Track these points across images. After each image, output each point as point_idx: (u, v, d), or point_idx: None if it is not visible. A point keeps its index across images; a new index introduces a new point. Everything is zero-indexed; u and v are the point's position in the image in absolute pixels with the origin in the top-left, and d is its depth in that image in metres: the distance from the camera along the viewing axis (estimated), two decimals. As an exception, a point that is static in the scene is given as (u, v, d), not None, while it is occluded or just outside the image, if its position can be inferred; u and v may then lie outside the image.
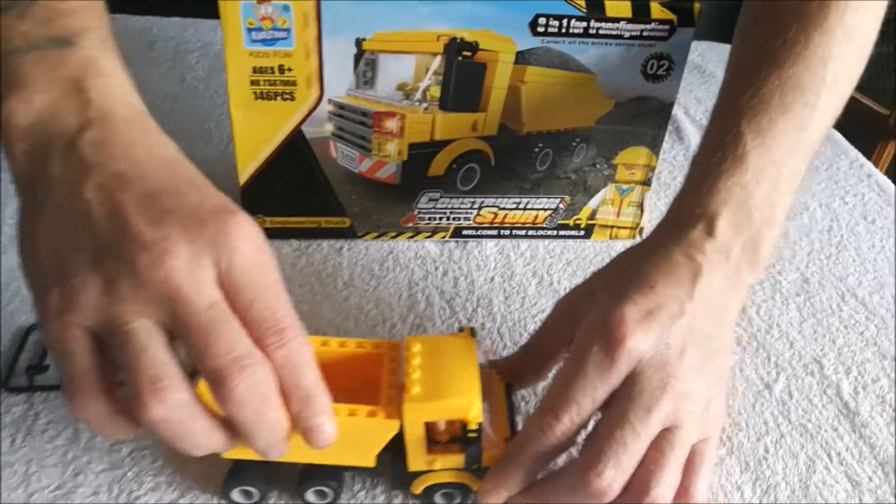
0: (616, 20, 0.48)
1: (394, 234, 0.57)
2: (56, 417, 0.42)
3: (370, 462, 0.37)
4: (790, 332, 0.52)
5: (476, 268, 0.56)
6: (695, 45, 0.51)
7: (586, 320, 0.37)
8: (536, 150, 0.54)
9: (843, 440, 0.44)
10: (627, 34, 0.49)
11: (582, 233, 0.59)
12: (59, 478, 0.39)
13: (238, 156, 0.52)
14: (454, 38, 0.48)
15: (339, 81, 0.49)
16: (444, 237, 0.58)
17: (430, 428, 0.35)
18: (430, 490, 0.38)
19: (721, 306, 0.37)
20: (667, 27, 0.49)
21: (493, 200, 0.56)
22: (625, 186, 0.57)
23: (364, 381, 0.37)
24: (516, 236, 0.59)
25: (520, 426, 0.39)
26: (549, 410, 0.35)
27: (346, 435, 0.33)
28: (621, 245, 0.59)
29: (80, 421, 0.32)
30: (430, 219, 0.57)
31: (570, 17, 0.48)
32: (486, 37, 0.48)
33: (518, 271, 0.56)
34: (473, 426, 0.35)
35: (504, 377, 0.41)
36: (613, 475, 0.33)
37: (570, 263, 0.57)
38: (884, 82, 1.46)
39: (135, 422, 0.30)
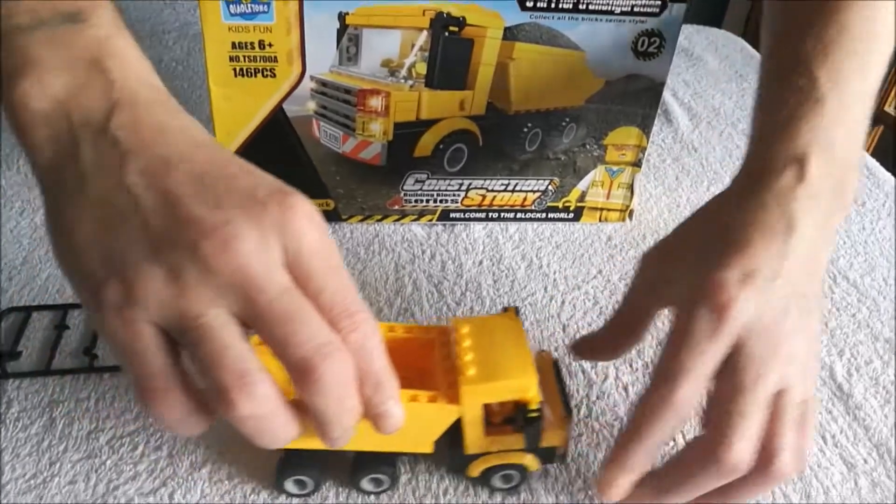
0: (607, -5, 0.47)
1: (379, 217, 0.56)
2: (29, 405, 0.40)
3: (428, 448, 0.36)
4: (782, 314, 0.51)
5: (464, 251, 0.54)
6: (682, 28, 0.50)
7: (683, 284, 0.35)
8: (525, 129, 0.53)
9: (837, 422, 0.43)
10: (618, 9, 0.48)
11: (571, 215, 0.58)
12: (34, 467, 0.37)
13: (217, 136, 0.50)
14: (441, 13, 0.46)
15: (322, 58, 0.47)
16: (431, 220, 0.57)
17: (485, 410, 0.35)
18: (489, 472, 0.37)
19: (814, 260, 0.36)
20: (658, 3, 0.48)
21: (481, 182, 0.55)
22: (615, 168, 0.56)
23: (417, 367, 0.36)
24: (505, 219, 0.57)
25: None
26: (664, 383, 0.33)
27: (407, 421, 0.31)
28: (611, 228, 0.58)
29: (163, 425, 0.30)
30: (416, 201, 0.55)
31: (559, -8, 0.47)
32: (473, 11, 0.47)
33: (507, 255, 0.54)
34: (534, 406, 0.34)
35: (573, 353, 0.41)
36: (744, 447, 0.32)
37: (559, 246, 0.56)
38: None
39: (210, 416, 0.29)
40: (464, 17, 0.47)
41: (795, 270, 0.35)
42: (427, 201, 0.56)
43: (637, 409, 0.35)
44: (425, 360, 0.37)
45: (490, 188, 0.55)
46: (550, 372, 0.38)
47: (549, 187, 0.56)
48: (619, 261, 0.55)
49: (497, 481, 0.38)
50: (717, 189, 0.63)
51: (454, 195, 0.55)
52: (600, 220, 0.59)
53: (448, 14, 0.47)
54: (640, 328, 0.39)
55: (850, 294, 0.53)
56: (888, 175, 0.68)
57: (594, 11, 0.48)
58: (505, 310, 0.39)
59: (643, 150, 0.55)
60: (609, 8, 0.48)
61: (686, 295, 0.35)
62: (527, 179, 0.55)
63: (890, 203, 0.63)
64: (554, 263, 0.54)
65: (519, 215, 0.57)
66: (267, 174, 0.30)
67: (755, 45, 0.95)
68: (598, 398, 0.43)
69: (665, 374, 0.34)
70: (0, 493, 0.36)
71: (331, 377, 0.27)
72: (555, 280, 0.52)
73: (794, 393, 0.34)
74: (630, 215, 0.59)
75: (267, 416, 0.28)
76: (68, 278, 0.29)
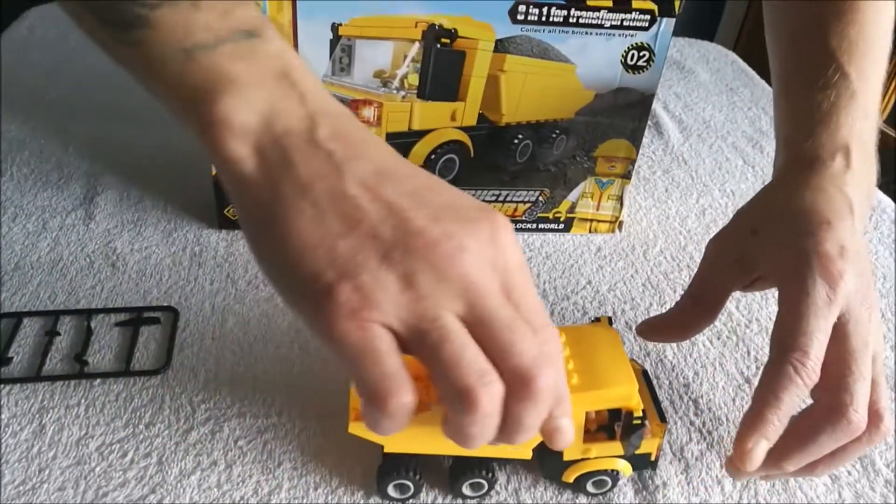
0: (597, 9, 0.48)
1: (371, 226, 0.56)
2: (19, 412, 0.40)
3: (527, 455, 0.37)
4: (770, 326, 0.51)
5: (455, 260, 0.55)
6: (674, 41, 0.50)
7: (779, 258, 0.38)
8: (516, 141, 0.53)
9: (821, 433, 0.44)
10: (608, 23, 0.49)
11: (561, 226, 0.58)
12: (23, 473, 0.37)
13: (211, 144, 0.50)
14: (433, 25, 0.47)
15: (315, 68, 0.48)
16: (422, 229, 0.57)
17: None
18: (583, 478, 0.38)
19: (864, 236, 0.40)
20: (647, 17, 0.49)
21: (472, 192, 0.56)
22: (605, 179, 0.57)
23: None
24: (496, 229, 0.58)
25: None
26: (793, 350, 0.35)
27: None
28: (601, 239, 0.59)
29: (384, 426, 0.29)
30: (408, 211, 0.56)
31: (550, 5, 0.47)
32: (465, 24, 0.47)
33: (497, 264, 0.55)
34: (638, 413, 0.36)
35: (659, 337, 0.44)
36: (865, 408, 0.35)
37: (549, 257, 0.56)
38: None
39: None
40: (455, 30, 0.47)
41: (861, 248, 0.38)
42: (419, 211, 0.56)
43: (768, 377, 0.36)
44: None
45: (481, 198, 0.56)
46: (642, 381, 0.40)
47: (540, 198, 0.57)
48: (609, 271, 0.55)
49: (590, 486, 0.39)
50: (706, 201, 0.65)
51: (446, 205, 0.56)
52: (590, 231, 0.59)
53: (440, 26, 0.47)
54: (717, 306, 0.42)
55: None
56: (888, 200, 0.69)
57: (585, 25, 0.48)
58: (597, 319, 0.41)
59: (633, 162, 0.56)
60: (599, 22, 0.48)
61: (791, 267, 0.37)
62: (517, 190, 0.56)
63: (890, 226, 0.64)
64: (544, 274, 0.54)
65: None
66: (459, 191, 0.31)
67: (746, 58, 0.96)
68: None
69: (792, 341, 0.35)
70: (-12, 500, 0.36)
71: (543, 386, 0.29)
72: (544, 290, 0.53)
73: (882, 356, 0.38)
74: (620, 226, 0.59)
75: (493, 415, 0.29)
76: (283, 286, 0.30)
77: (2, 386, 0.42)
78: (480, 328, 0.29)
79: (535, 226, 0.58)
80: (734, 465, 0.37)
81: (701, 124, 0.78)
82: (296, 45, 0.47)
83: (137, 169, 0.59)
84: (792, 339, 0.35)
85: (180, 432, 0.40)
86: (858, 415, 0.35)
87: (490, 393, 0.28)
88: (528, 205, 0.57)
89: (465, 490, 0.38)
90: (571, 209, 0.58)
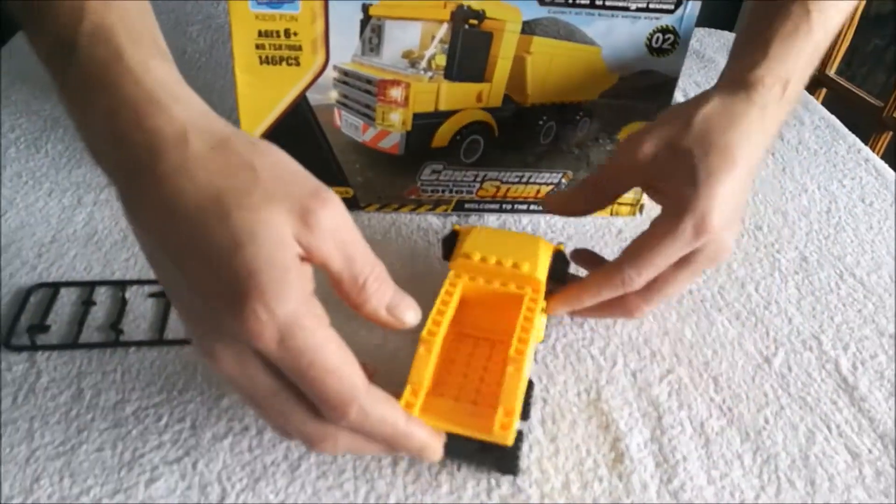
0: (624, -8, 0.48)
1: (396, 206, 0.57)
2: (58, 376, 0.42)
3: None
4: (789, 308, 0.52)
5: (478, 240, 0.56)
6: (695, 31, 0.51)
7: (675, 190, 0.41)
8: (540, 122, 0.54)
9: (842, 413, 0.44)
10: (634, 6, 0.49)
11: (583, 208, 0.59)
12: (62, 434, 0.39)
13: (242, 122, 0.51)
14: (461, 6, 0.48)
15: (345, 47, 0.49)
16: (446, 210, 0.58)
17: None
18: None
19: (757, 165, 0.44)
20: (673, 0, 0.49)
21: (496, 174, 0.56)
22: (627, 162, 0.57)
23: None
24: (518, 210, 0.59)
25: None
26: (632, 266, 0.41)
27: None
28: (622, 221, 0.59)
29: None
30: (432, 191, 0.57)
31: (577, -12, 0.48)
32: (493, 5, 0.48)
33: (520, 245, 0.56)
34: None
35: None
36: (644, 280, 0.42)
37: (570, 239, 0.57)
38: (876, 76, 1.47)
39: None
40: (483, 11, 0.48)
41: (751, 177, 0.43)
42: (443, 191, 0.57)
43: (603, 273, 0.42)
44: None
45: (504, 180, 0.57)
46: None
47: (563, 180, 0.57)
48: (630, 253, 0.56)
49: None
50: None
51: (469, 186, 0.57)
52: (611, 214, 0.60)
53: (468, 7, 0.48)
54: (612, 197, 0.47)
55: (856, 290, 0.54)
56: (894, 175, 0.69)
57: (611, 7, 0.49)
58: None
59: (655, 145, 0.56)
60: (625, 5, 0.49)
61: (677, 203, 0.41)
62: (540, 172, 0.57)
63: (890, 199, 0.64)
64: (566, 254, 0.55)
65: (532, 207, 0.59)
66: (230, 255, 0.28)
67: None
68: (607, 382, 0.45)
69: (634, 259, 0.41)
70: (30, 458, 0.37)
71: (332, 451, 0.34)
72: (567, 270, 0.54)
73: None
74: (641, 210, 0.60)
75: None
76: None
77: (41, 352, 0.43)
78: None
79: (557, 208, 0.59)
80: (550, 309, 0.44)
81: (722, 112, 0.78)
82: (327, 25, 0.47)
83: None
84: (634, 257, 0.41)
85: (213, 398, 0.41)
86: (634, 279, 0.41)
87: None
88: (551, 186, 0.57)
89: None
90: (593, 192, 0.58)
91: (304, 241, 0.29)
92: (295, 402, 0.31)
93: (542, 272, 0.43)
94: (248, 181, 0.29)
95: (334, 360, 0.30)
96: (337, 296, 0.33)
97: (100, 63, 0.31)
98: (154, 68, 0.31)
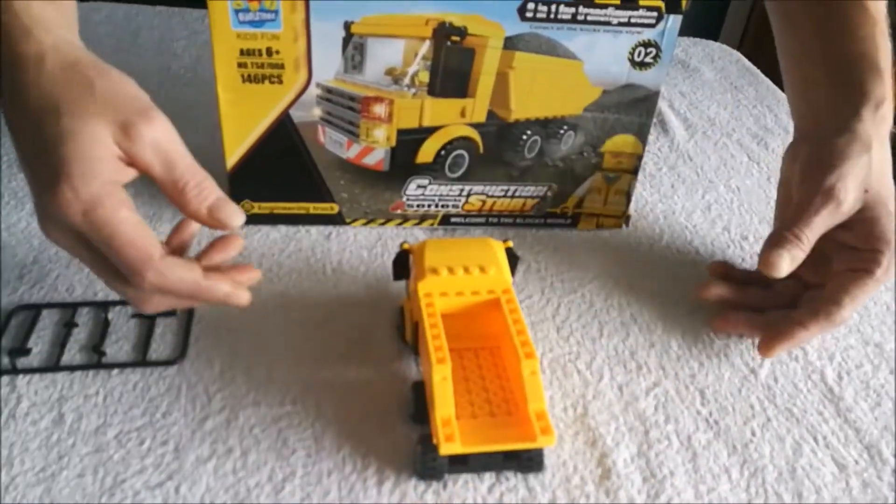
0: (604, 6, 0.48)
1: (382, 220, 0.57)
2: (39, 401, 0.41)
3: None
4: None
5: (464, 255, 0.55)
6: (679, 40, 0.51)
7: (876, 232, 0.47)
8: (524, 137, 0.54)
9: (828, 424, 0.44)
10: (615, 20, 0.49)
11: (569, 221, 0.59)
12: (42, 461, 0.38)
13: (225, 140, 0.51)
14: (443, 23, 0.48)
15: (328, 65, 0.49)
16: (432, 224, 0.58)
17: None
18: None
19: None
20: (654, 14, 0.49)
21: (481, 188, 0.56)
22: (612, 175, 0.57)
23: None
24: (504, 224, 0.59)
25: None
26: (828, 197, 0.46)
27: None
28: (608, 234, 0.59)
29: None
30: (418, 206, 0.57)
31: (558, 3, 0.48)
32: (474, 21, 0.48)
33: (506, 259, 0.56)
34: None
35: None
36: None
37: (556, 251, 0.57)
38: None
39: None
40: (465, 27, 0.48)
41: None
42: (429, 206, 0.57)
43: (801, 206, 0.46)
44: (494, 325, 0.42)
45: (490, 194, 0.57)
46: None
47: (548, 193, 0.57)
48: (615, 266, 0.56)
49: None
50: (712, 197, 0.65)
51: (455, 200, 0.57)
52: (597, 227, 0.60)
53: (450, 24, 0.48)
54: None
55: (841, 300, 0.54)
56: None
57: (592, 22, 0.49)
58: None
59: (640, 157, 0.56)
60: (607, 19, 0.49)
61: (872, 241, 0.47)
62: (526, 185, 0.57)
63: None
64: (552, 267, 0.55)
65: (518, 220, 0.59)
66: (54, 147, 0.35)
67: (751, 57, 0.96)
68: (594, 397, 0.44)
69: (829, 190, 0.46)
70: (9, 486, 0.37)
71: (151, 309, 0.40)
72: (552, 283, 0.54)
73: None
74: (627, 221, 0.60)
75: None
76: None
77: (21, 376, 0.42)
78: None
79: (543, 220, 0.59)
80: (765, 342, 0.47)
81: (706, 122, 0.78)
82: (309, 43, 0.47)
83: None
84: (829, 188, 0.46)
85: (196, 421, 0.41)
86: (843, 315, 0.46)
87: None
88: (536, 200, 0.58)
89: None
90: (579, 204, 0.58)
91: (125, 147, 0.36)
92: (108, 270, 0.38)
93: (507, 272, 0.43)
94: (84, 94, 0.36)
95: (129, 233, 0.36)
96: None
97: None
98: (32, 7, 0.38)
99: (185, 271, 0.38)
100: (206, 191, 0.38)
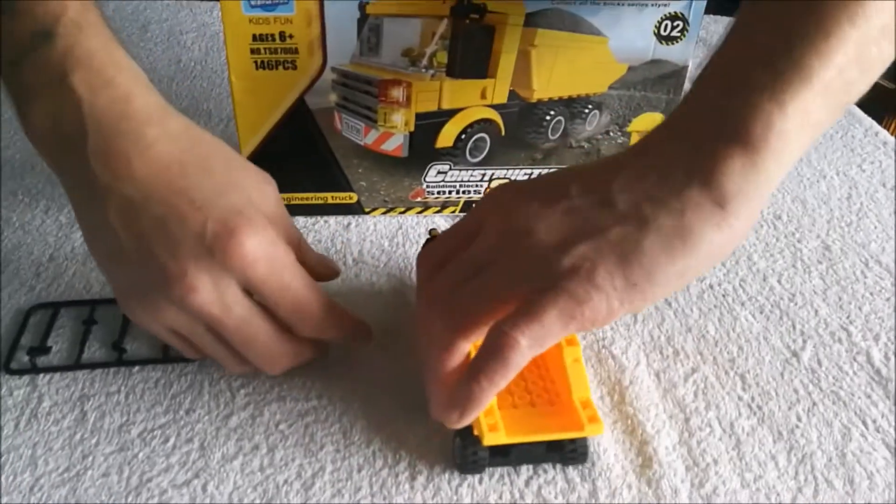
0: (630, -22, 0.47)
1: (402, 209, 0.56)
2: (60, 400, 0.40)
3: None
4: (814, 299, 0.50)
5: (488, 242, 0.54)
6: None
7: None
8: (548, 118, 0.52)
9: (877, 407, 0.42)
10: (641, -7, 0.47)
11: (595, 204, 0.57)
12: (66, 460, 0.37)
13: (240, 130, 0.50)
14: (461, 0, 0.46)
15: (343, 48, 0.47)
16: (454, 212, 0.56)
17: None
18: None
19: None
20: (682, -15, 0.47)
21: (503, 172, 0.55)
22: (639, 155, 0.55)
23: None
24: (528, 209, 0.57)
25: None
26: None
27: None
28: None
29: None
30: (439, 193, 0.55)
31: (582, -24, 0.46)
32: (495, -2, 0.46)
33: (531, 244, 0.54)
34: None
35: None
36: None
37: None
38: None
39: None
40: (485, 4, 0.47)
41: None
42: (450, 193, 0.55)
43: None
44: None
45: (513, 178, 0.55)
46: None
47: (573, 176, 0.56)
48: (646, 249, 0.54)
49: None
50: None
51: (477, 186, 0.55)
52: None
53: (468, 1, 0.46)
54: None
55: (883, 278, 0.52)
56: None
57: (617, -5, 0.47)
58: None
59: (668, 136, 0.54)
60: (632, -9, 0.47)
61: None
62: (550, 168, 0.55)
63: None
64: (580, 252, 0.53)
65: (542, 205, 0.57)
66: (217, 198, 0.35)
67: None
68: (630, 384, 0.43)
69: None
70: (34, 487, 0.36)
71: (282, 368, 0.39)
72: (581, 269, 0.52)
73: None
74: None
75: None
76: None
77: (42, 375, 0.41)
78: (224, 338, 0.37)
79: (568, 205, 0.57)
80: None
81: (731, 100, 0.76)
82: (323, 26, 0.46)
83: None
84: None
85: (221, 417, 0.40)
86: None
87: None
88: (560, 183, 0.56)
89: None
90: (605, 187, 0.56)
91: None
92: (267, 322, 0.36)
93: None
94: (232, 155, 0.39)
95: (306, 276, 0.36)
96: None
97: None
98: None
99: (339, 313, 0.38)
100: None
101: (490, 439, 0.34)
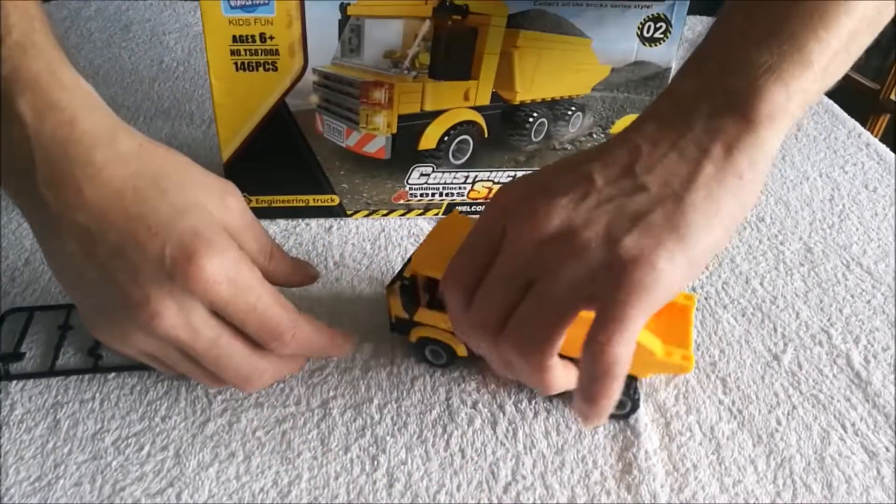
0: (612, -20, 0.46)
1: (385, 212, 0.55)
2: (33, 407, 0.40)
3: None
4: (796, 302, 0.50)
5: (471, 244, 0.54)
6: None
7: None
8: (531, 120, 0.52)
9: (856, 410, 0.42)
10: (623, -5, 0.47)
11: (579, 206, 0.57)
12: (38, 469, 0.37)
13: (220, 132, 0.49)
14: (443, 1, 0.46)
15: (324, 50, 0.47)
16: (437, 214, 0.56)
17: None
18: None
19: None
20: (664, -13, 0.47)
21: (486, 174, 0.54)
22: (622, 157, 0.55)
23: None
24: (511, 211, 0.57)
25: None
26: None
27: None
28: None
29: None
30: (422, 195, 0.55)
31: (563, -22, 0.46)
32: (476, -1, 0.46)
33: (514, 247, 0.54)
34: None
35: None
36: None
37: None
38: (871, 58, 1.45)
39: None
40: (467, 6, 0.46)
41: None
42: (433, 195, 0.55)
43: None
44: None
45: (496, 180, 0.55)
46: None
47: (556, 178, 0.55)
48: (629, 251, 0.54)
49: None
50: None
51: (460, 188, 0.55)
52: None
53: (451, 2, 0.46)
54: None
55: (864, 280, 0.52)
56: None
57: (599, -3, 0.47)
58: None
59: (651, 138, 0.54)
60: (614, -7, 0.47)
61: None
62: (533, 170, 0.54)
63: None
64: (562, 255, 0.53)
65: (526, 207, 0.56)
66: (172, 222, 0.34)
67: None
68: (611, 389, 0.43)
69: None
70: (3, 497, 0.35)
71: (260, 385, 0.38)
72: (564, 272, 0.52)
73: None
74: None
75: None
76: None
77: (15, 382, 0.41)
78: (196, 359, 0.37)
79: (551, 207, 0.57)
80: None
81: (716, 101, 0.76)
82: (304, 27, 0.45)
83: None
84: None
85: (197, 424, 0.39)
86: None
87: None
88: (544, 186, 0.55)
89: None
90: (588, 189, 0.56)
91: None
92: (237, 342, 0.35)
93: None
94: (189, 168, 0.37)
95: (274, 294, 0.35)
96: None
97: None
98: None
99: (314, 329, 0.37)
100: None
101: None
